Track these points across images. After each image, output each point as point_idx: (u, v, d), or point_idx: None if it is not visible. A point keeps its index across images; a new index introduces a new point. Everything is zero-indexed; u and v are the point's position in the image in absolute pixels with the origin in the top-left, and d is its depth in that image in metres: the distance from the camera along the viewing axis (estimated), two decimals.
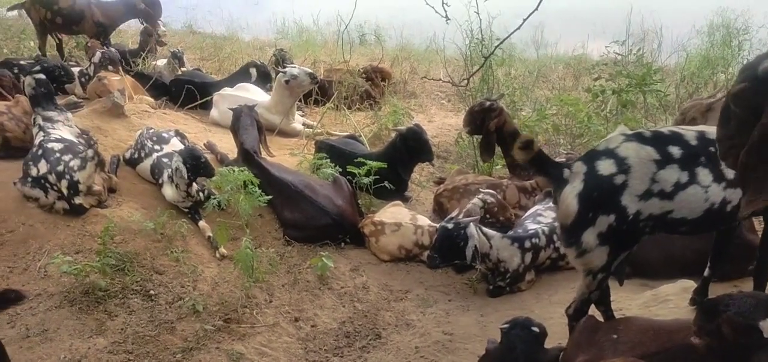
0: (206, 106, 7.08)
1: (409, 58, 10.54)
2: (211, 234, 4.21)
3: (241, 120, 4.87)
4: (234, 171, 3.94)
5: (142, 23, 8.44)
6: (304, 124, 6.73)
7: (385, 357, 3.41)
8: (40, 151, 3.98)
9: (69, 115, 4.46)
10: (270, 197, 3.90)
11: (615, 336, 2.42)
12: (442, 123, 7.70)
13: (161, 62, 8.42)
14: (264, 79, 7.50)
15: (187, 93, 7.04)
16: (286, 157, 5.48)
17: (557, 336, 2.94)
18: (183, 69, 8.20)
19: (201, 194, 4.38)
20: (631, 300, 3.57)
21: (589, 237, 2.46)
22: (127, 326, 3.44)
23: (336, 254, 4.29)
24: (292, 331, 3.61)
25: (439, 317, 3.77)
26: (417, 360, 3.36)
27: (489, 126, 4.98)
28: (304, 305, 3.83)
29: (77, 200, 3.93)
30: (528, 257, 3.97)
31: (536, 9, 3.91)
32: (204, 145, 5.25)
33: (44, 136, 4.09)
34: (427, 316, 3.79)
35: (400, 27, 12.06)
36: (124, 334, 3.38)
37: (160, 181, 4.36)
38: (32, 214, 3.95)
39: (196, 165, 4.10)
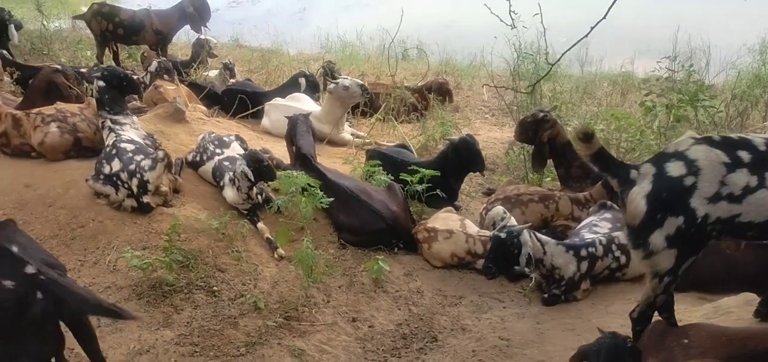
0: (257, 116, 7.27)
1: (452, 72, 10.63)
2: (269, 236, 4.32)
3: (298, 126, 5.01)
4: (296, 174, 4.04)
5: (198, 32, 8.67)
6: (352, 134, 6.84)
7: (442, 359, 3.46)
8: (113, 151, 4.17)
9: (135, 118, 4.65)
10: (332, 198, 3.99)
11: (686, 341, 2.43)
12: (488, 136, 7.72)
13: (213, 73, 8.68)
14: (313, 89, 7.67)
15: (239, 102, 7.25)
16: (338, 166, 5.59)
17: None
18: (233, 80, 8.43)
19: (259, 197, 4.51)
20: (691, 313, 3.54)
21: (657, 239, 2.48)
22: (192, 320, 3.56)
23: (390, 259, 4.35)
24: (350, 331, 3.68)
25: (494, 323, 3.80)
26: None
27: (542, 137, 5.01)
28: (361, 306, 3.90)
29: (145, 199, 4.09)
30: (584, 266, 3.97)
31: (604, 17, 3.91)
32: (260, 150, 5.38)
33: (117, 137, 4.27)
34: (483, 322, 3.82)
35: (443, 42, 12.16)
36: (190, 327, 3.50)
37: (222, 184, 4.51)
38: (102, 211, 4.12)
39: (259, 168, 4.22)
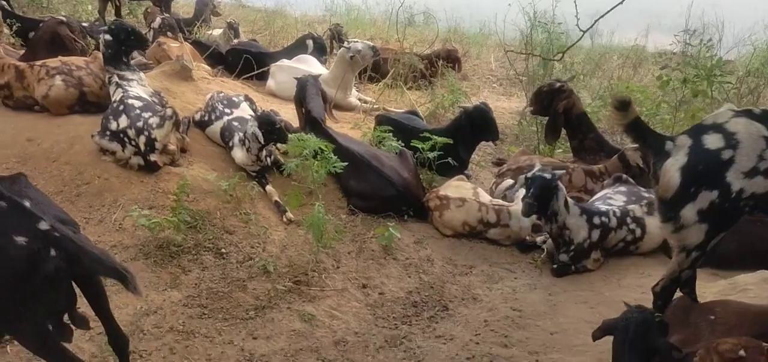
0: (262, 77, 7.14)
1: (460, 40, 10.45)
2: (278, 199, 4.24)
3: (307, 89, 4.89)
4: (306, 138, 3.94)
5: None
6: (359, 99, 6.72)
7: (453, 328, 3.40)
8: (121, 107, 4.06)
9: (142, 75, 4.52)
10: (346, 163, 3.90)
11: (712, 317, 2.38)
12: (495, 105, 7.57)
13: (216, 32, 8.50)
14: (320, 51, 7.53)
15: (244, 63, 7.10)
16: (346, 130, 5.49)
17: None
18: (237, 40, 8.27)
19: (268, 159, 4.42)
20: (705, 289, 3.47)
21: (689, 212, 2.41)
22: (200, 281, 3.49)
23: (399, 226, 4.28)
24: (360, 297, 3.62)
25: (506, 293, 3.75)
26: (486, 333, 3.35)
27: (557, 107, 4.91)
28: (371, 273, 3.84)
29: (152, 157, 4.00)
30: (595, 234, 3.91)
31: None
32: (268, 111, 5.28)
33: (124, 93, 4.16)
34: (494, 292, 3.77)
35: (450, 9, 11.94)
36: (198, 289, 3.44)
37: (231, 144, 4.41)
38: (108, 168, 4.03)
39: (271, 130, 4.13)
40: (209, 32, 8.62)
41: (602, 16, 4.17)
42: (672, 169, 2.40)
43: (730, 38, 9.53)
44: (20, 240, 1.95)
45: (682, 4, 10.76)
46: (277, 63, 6.93)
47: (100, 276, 2.22)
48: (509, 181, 4.48)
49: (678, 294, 2.84)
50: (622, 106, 2.43)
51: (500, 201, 4.31)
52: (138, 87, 4.33)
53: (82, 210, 3.79)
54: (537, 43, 7.50)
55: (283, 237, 4.01)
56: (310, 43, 7.46)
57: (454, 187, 4.42)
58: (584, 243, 3.90)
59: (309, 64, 6.90)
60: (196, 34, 8.40)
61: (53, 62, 4.52)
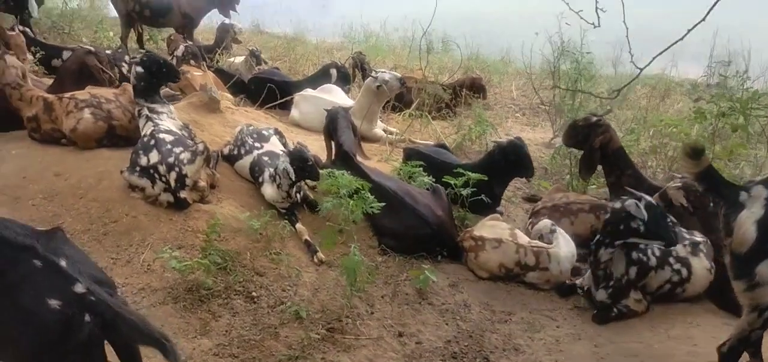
0: (285, 106, 7.06)
1: (480, 68, 10.35)
2: (308, 238, 4.12)
3: (338, 122, 4.79)
4: (343, 175, 3.82)
5: (227, 17, 8.45)
6: (384, 130, 6.61)
7: None
8: (152, 141, 3.96)
9: (172, 107, 4.44)
10: (383, 204, 3.77)
11: None
12: (521, 136, 7.47)
13: (238, 60, 8.45)
14: (343, 80, 7.45)
15: (268, 92, 7.03)
16: (374, 163, 5.37)
17: None
18: (259, 67, 8.22)
19: (298, 195, 4.31)
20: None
21: (765, 269, 2.26)
22: (231, 328, 3.35)
23: (433, 267, 4.13)
24: (397, 347, 3.46)
25: (549, 344, 3.57)
26: None
27: (593, 142, 4.76)
28: (406, 319, 3.68)
29: (182, 194, 3.89)
30: (632, 271, 3.74)
31: (703, 19, 3.65)
32: (296, 144, 5.16)
33: (154, 127, 4.06)
34: (536, 342, 3.60)
35: (468, 36, 11.87)
36: (228, 337, 3.29)
37: (260, 180, 4.30)
38: (136, 205, 3.92)
39: (303, 167, 4.02)
40: (230, 60, 8.59)
41: (660, 54, 4.01)
42: (747, 223, 2.25)
43: (756, 67, 9.39)
44: (54, 303, 1.83)
45: (706, 31, 10.65)
46: (301, 92, 6.85)
47: (138, 344, 2.08)
48: (547, 222, 4.32)
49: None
50: (696, 154, 2.29)
51: (539, 243, 4.14)
52: (168, 120, 4.24)
53: (109, 250, 3.68)
54: (563, 72, 7.37)
55: (314, 279, 3.88)
56: (333, 72, 7.38)
57: (489, 227, 4.27)
58: (622, 279, 3.73)
59: (333, 94, 6.81)
60: (217, 61, 8.36)
61: (82, 94, 4.44)
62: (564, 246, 4.12)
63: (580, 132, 4.87)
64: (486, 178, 4.55)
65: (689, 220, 4.27)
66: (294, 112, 6.77)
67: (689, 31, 3.68)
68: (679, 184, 4.32)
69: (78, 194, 3.95)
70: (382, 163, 5.66)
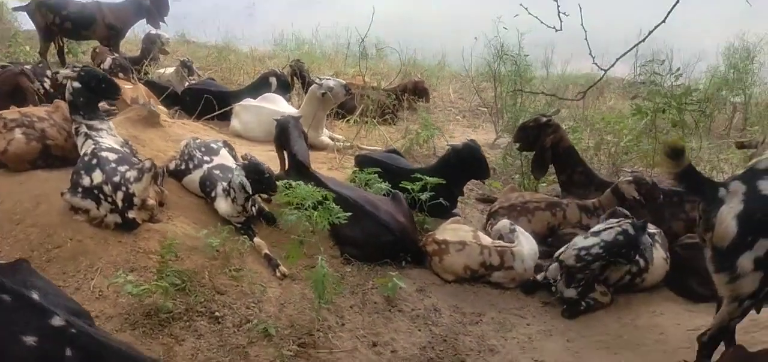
0: (223, 117, 6.81)
1: (417, 73, 10.38)
2: (268, 252, 3.95)
3: (290, 131, 4.63)
4: (301, 186, 3.68)
5: (156, 28, 8.06)
6: (330, 138, 6.49)
7: None
8: (94, 160, 3.66)
9: (111, 123, 4.15)
10: (349, 214, 3.65)
11: None
12: (463, 138, 7.51)
13: (168, 71, 8.08)
14: (284, 89, 7.25)
15: (205, 103, 6.75)
16: (324, 172, 5.24)
17: None
18: (191, 78, 7.90)
19: (253, 209, 4.13)
20: None
21: (746, 261, 2.32)
22: (197, 351, 3.14)
23: (399, 274, 4.06)
24: (373, 357, 3.36)
25: (522, 342, 3.58)
26: None
27: (544, 142, 4.85)
28: (379, 328, 3.59)
29: (131, 214, 3.63)
30: (596, 265, 3.82)
31: (663, 20, 3.74)
32: (242, 157, 4.96)
33: (95, 145, 3.77)
34: (510, 341, 3.59)
35: (403, 42, 11.92)
36: (195, 361, 3.10)
37: (213, 195, 4.08)
38: (81, 229, 3.62)
39: (259, 179, 3.85)
40: (160, 71, 8.19)
41: (625, 54, 4.10)
42: (728, 217, 2.30)
43: (678, 65, 9.94)
44: (29, 340, 1.63)
45: (630, 31, 11.16)
46: (241, 103, 6.62)
47: None
48: (506, 222, 4.34)
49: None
50: (676, 154, 2.32)
51: (502, 243, 4.16)
52: (108, 137, 3.96)
53: (55, 278, 3.35)
54: (503, 75, 7.50)
55: (278, 294, 3.71)
56: (273, 80, 7.18)
57: (452, 230, 4.25)
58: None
59: (275, 103, 6.62)
60: (146, 73, 7.97)
61: (11, 114, 4.08)
62: (526, 244, 4.16)
63: (530, 133, 4.95)
64: (444, 182, 4.52)
65: (640, 212, 4.40)
66: (234, 123, 6.54)
67: (650, 32, 3.79)
68: (630, 179, 4.46)
69: (14, 220, 3.61)
70: (333, 170, 5.55)
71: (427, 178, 4.50)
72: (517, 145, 5.12)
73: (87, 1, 7.76)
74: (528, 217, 4.61)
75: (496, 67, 7.30)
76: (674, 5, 3.56)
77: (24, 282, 1.74)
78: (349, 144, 6.34)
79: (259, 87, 7.13)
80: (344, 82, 6.24)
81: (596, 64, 4.16)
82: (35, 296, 1.69)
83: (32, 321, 1.63)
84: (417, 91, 7.98)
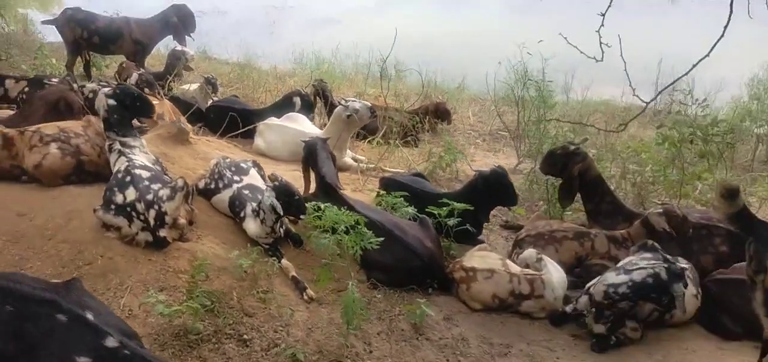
0: (247, 135, 6.84)
1: (437, 95, 10.39)
2: (295, 274, 3.94)
3: (318, 152, 4.64)
4: (331, 208, 3.68)
5: (182, 44, 8.13)
6: (353, 159, 6.50)
7: None
8: (127, 177, 3.69)
9: (143, 141, 4.18)
10: (382, 239, 3.64)
11: None
12: (485, 162, 7.51)
13: (193, 87, 8.15)
14: (307, 108, 7.29)
15: (229, 120, 6.80)
16: (347, 193, 5.23)
17: None
18: (215, 95, 7.96)
19: (281, 230, 4.13)
20: None
21: None
22: None
23: (426, 301, 4.03)
24: None
25: None
26: None
27: (572, 171, 4.82)
28: (406, 357, 3.55)
29: (162, 232, 3.64)
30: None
31: (707, 55, 3.73)
32: (269, 177, 4.96)
33: (129, 162, 3.79)
34: None
35: (423, 64, 11.96)
36: None
37: (242, 215, 4.09)
38: (112, 246, 3.63)
39: (289, 202, 3.85)
40: (184, 87, 8.26)
41: (670, 85, 4.06)
42: None
43: (699, 93, 9.90)
44: (84, 361, 1.62)
45: (650, 58, 11.13)
46: (265, 121, 6.65)
47: None
48: (532, 251, 4.30)
49: None
50: (732, 195, 2.29)
51: (531, 271, 4.11)
52: (141, 155, 3.98)
53: None
54: (526, 100, 7.49)
55: (306, 317, 3.69)
56: (297, 100, 7.22)
57: (480, 257, 4.21)
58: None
59: (299, 123, 6.65)
60: (171, 89, 8.03)
61: (49, 128, 4.11)
62: (555, 273, 4.11)
63: (558, 160, 4.92)
64: (472, 208, 4.50)
65: (669, 245, 4.35)
66: (258, 141, 6.56)
67: (694, 66, 3.77)
68: (661, 211, 4.41)
69: (46, 235, 3.63)
70: (357, 192, 5.54)
71: (454, 203, 4.48)
72: (545, 172, 5.08)
73: (115, 16, 7.87)
74: (555, 246, 4.56)
75: (520, 92, 7.27)
76: (718, 39, 3.54)
77: (79, 302, 1.74)
78: (372, 165, 6.34)
79: (282, 106, 7.17)
80: (369, 104, 6.24)
81: (637, 96, 4.13)
82: (90, 316, 1.69)
83: (87, 341, 1.63)
84: (438, 113, 7.99)
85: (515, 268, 4.14)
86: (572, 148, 4.87)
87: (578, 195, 5.03)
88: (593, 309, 3.76)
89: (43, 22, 8.66)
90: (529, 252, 4.34)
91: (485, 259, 4.18)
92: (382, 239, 3.63)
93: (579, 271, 4.51)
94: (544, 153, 6.44)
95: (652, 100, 4.12)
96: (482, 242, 4.92)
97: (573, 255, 4.56)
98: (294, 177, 5.52)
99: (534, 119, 6.91)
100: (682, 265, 4.05)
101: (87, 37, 7.49)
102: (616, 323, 3.73)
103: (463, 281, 4.12)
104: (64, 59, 8.23)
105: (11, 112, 5.28)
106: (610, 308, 3.69)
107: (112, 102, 3.94)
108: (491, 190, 4.74)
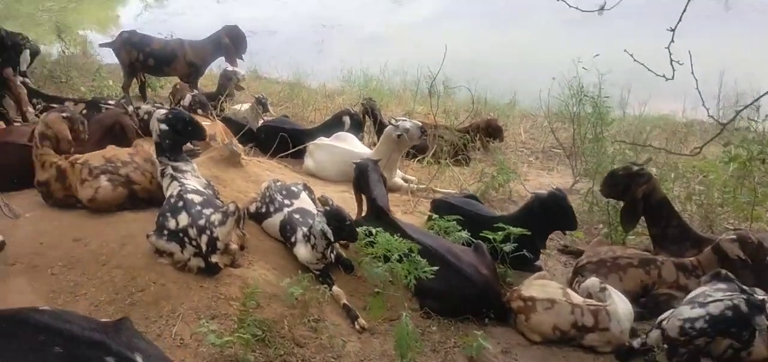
0: (297, 155, 6.82)
1: (487, 111, 10.20)
2: (346, 302, 3.84)
3: (369, 175, 4.54)
4: (384, 234, 3.56)
5: (233, 65, 8.21)
6: (403, 179, 6.38)
7: None
8: (180, 203, 3.67)
9: (194, 164, 4.17)
10: (437, 267, 3.50)
11: None
12: (539, 182, 7.28)
13: (244, 107, 8.20)
14: (357, 128, 7.23)
15: (280, 141, 6.80)
16: (397, 215, 5.11)
17: None
18: (266, 115, 7.99)
19: (332, 255, 4.04)
20: None
21: None
22: None
23: (482, 332, 3.85)
24: None
25: None
26: None
27: (636, 193, 4.57)
28: None
29: (214, 258, 3.59)
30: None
31: None
32: (319, 199, 4.89)
33: (181, 187, 3.78)
34: None
35: (473, 80, 11.79)
36: None
37: (293, 240, 4.01)
38: (164, 272, 3.61)
39: (340, 227, 3.76)
40: (235, 107, 8.34)
41: (746, 107, 3.83)
42: None
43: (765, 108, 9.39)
44: None
45: (710, 72, 10.63)
46: (315, 141, 6.62)
47: None
48: (596, 280, 4.08)
49: None
50: None
51: (595, 302, 3.89)
52: (193, 179, 3.97)
53: (137, 322, 3.30)
54: (582, 116, 7.22)
55: (358, 349, 3.58)
56: (346, 119, 7.17)
57: (539, 286, 4.01)
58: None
59: (349, 142, 6.59)
60: (222, 109, 8.11)
61: (95, 159, 4.12)
62: (621, 304, 3.88)
63: (620, 182, 4.68)
64: (529, 233, 4.31)
65: (743, 274, 4.06)
66: (308, 162, 6.53)
67: None
68: (734, 236, 4.13)
69: (100, 261, 3.63)
70: (408, 214, 5.42)
71: (510, 227, 4.30)
72: (605, 193, 4.84)
73: (169, 38, 8.02)
74: (619, 274, 4.32)
75: (576, 108, 7.01)
76: None
77: (128, 344, 1.68)
78: (422, 186, 6.21)
79: (332, 125, 7.14)
80: (420, 123, 6.12)
81: (712, 116, 3.88)
82: (139, 359, 1.62)
83: None
84: (490, 130, 7.81)
85: (577, 298, 3.93)
86: (635, 168, 4.62)
87: (642, 218, 4.78)
88: (665, 346, 3.52)
89: (101, 45, 8.90)
90: (592, 281, 4.12)
91: (545, 288, 3.98)
92: (436, 268, 3.47)
93: (645, 301, 4.26)
94: (602, 172, 6.21)
95: (730, 121, 3.84)
96: (540, 268, 4.72)
97: (638, 283, 4.31)
98: (344, 198, 5.46)
99: (590, 137, 6.63)
100: (762, 296, 3.77)
101: (142, 60, 7.64)
102: (690, 361, 3.48)
103: (521, 311, 3.93)
104: (121, 81, 8.42)
105: None
106: (686, 345, 3.45)
107: (164, 127, 3.95)
108: (549, 214, 4.54)
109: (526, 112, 11.06)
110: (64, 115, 4.27)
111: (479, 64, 13.50)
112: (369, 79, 12.77)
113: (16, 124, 5.92)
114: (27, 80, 7.08)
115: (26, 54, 7.36)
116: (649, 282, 4.29)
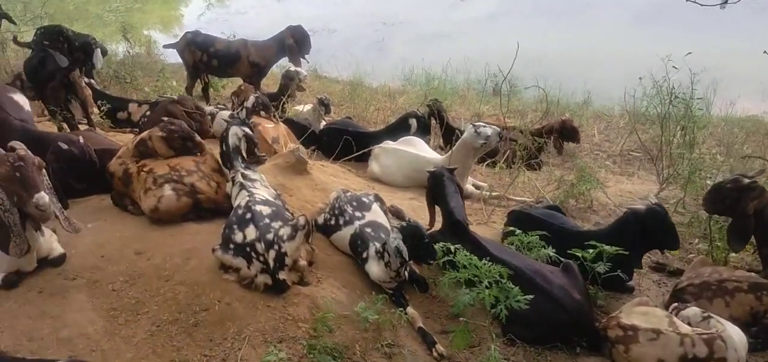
0: (361, 158, 6.55)
1: (557, 111, 9.66)
2: (422, 325, 3.50)
3: (445, 185, 4.19)
4: (471, 256, 3.21)
5: (297, 65, 8.02)
6: (474, 186, 6.00)
7: None
8: (248, 214, 3.41)
9: (261, 174, 3.92)
10: (531, 296, 3.13)
11: None
12: (619, 189, 6.74)
13: (305, 108, 7.99)
14: (423, 131, 6.89)
15: (343, 144, 6.54)
16: (471, 227, 4.74)
17: None
18: (329, 117, 7.75)
19: (406, 273, 3.71)
20: None
21: None
22: None
23: None
24: None
25: None
26: None
27: (746, 208, 4.05)
28: None
29: (281, 275, 3.32)
30: None
31: None
32: (389, 209, 4.57)
33: (250, 197, 3.54)
34: None
35: (539, 78, 11.24)
36: None
37: (364, 255, 3.71)
38: (229, 289, 3.36)
39: (418, 245, 3.43)
40: (297, 108, 8.14)
41: None
42: None
43: None
44: None
45: None
46: (380, 145, 6.31)
47: None
48: (697, 310, 3.60)
49: None
50: None
51: (707, 330, 3.42)
52: (262, 188, 3.72)
53: (201, 345, 3.11)
54: (673, 118, 6.64)
55: None
56: (413, 122, 6.84)
57: (641, 314, 3.56)
58: None
59: (416, 147, 6.25)
60: (285, 111, 7.92)
61: (160, 168, 3.93)
62: (734, 332, 3.40)
63: (727, 196, 4.16)
64: (626, 253, 3.86)
65: None
66: (373, 166, 6.23)
67: None
68: None
69: (163, 276, 3.41)
70: (481, 226, 5.05)
71: (604, 246, 3.87)
72: (710, 208, 4.33)
73: (233, 39, 7.88)
74: (725, 299, 3.83)
75: (666, 109, 6.44)
76: None
77: None
78: (495, 193, 5.81)
79: (398, 129, 6.83)
80: (499, 128, 5.70)
81: None
82: None
83: None
84: (565, 132, 7.32)
85: (685, 327, 3.46)
86: (746, 181, 4.10)
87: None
88: None
89: (165, 46, 8.89)
90: (694, 311, 3.63)
91: (648, 316, 3.53)
92: (530, 296, 3.09)
93: (756, 331, 3.76)
94: (693, 180, 5.66)
95: None
96: (632, 289, 4.27)
97: (748, 310, 3.81)
98: (412, 206, 5.14)
99: (681, 141, 6.07)
100: None
101: (206, 60, 7.53)
102: None
103: (620, 341, 3.49)
104: (184, 81, 8.36)
105: (133, 136, 5.27)
106: None
107: (239, 131, 3.73)
108: (647, 231, 4.07)
109: (598, 112, 10.47)
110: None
111: (545, 62, 12.89)
112: (431, 78, 12.40)
113: (81, 126, 5.85)
114: (92, 82, 7.07)
115: (98, 52, 7.40)
116: (760, 310, 3.79)
